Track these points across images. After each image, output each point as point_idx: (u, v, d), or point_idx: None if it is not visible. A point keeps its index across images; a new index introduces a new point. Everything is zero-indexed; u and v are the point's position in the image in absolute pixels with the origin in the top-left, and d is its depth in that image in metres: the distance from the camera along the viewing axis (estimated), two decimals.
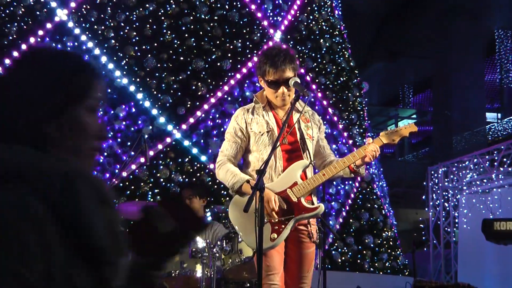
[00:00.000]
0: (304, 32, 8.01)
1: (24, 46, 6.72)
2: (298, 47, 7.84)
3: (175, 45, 6.94)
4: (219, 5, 7.30)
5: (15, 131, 1.20)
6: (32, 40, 6.75)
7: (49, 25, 6.83)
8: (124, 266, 1.19)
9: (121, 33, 6.90)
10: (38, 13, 6.93)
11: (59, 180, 1.12)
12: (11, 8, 6.94)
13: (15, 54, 6.69)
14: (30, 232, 1.07)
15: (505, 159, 9.37)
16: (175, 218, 1.27)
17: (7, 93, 1.23)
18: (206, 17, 7.16)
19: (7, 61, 6.66)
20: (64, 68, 1.27)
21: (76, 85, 1.25)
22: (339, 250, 7.25)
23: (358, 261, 7.41)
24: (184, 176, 6.43)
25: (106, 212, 1.15)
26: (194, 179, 6.42)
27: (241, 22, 7.40)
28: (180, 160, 6.51)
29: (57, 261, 1.08)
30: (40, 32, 6.80)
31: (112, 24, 6.92)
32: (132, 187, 6.23)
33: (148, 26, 6.95)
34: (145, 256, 1.28)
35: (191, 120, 6.71)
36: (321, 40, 8.20)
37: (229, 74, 7.06)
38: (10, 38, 6.82)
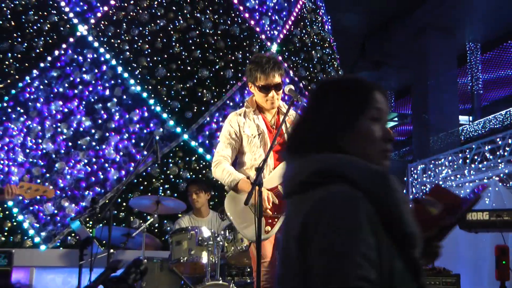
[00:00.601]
0: (298, 45, 7.99)
1: (49, 58, 6.71)
2: (292, 57, 7.82)
3: (183, 56, 6.91)
4: (222, 21, 7.28)
5: (316, 144, 1.30)
6: (56, 52, 6.74)
7: (71, 39, 6.82)
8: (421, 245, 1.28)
9: (135, 46, 6.87)
10: (61, 28, 6.90)
11: (376, 178, 1.19)
12: (38, 25, 6.91)
13: (42, 65, 6.68)
14: (366, 220, 1.13)
15: (476, 157, 9.35)
16: (441, 202, 1.47)
17: (308, 115, 1.37)
18: (211, 31, 7.14)
19: (35, 71, 6.65)
20: (347, 90, 1.34)
21: (358, 102, 1.32)
22: None
23: None
24: (191, 173, 6.41)
25: (408, 205, 1.23)
26: (200, 175, 6.40)
27: (242, 36, 7.37)
28: (187, 159, 6.49)
29: (383, 246, 1.14)
30: (64, 46, 6.78)
31: (127, 38, 6.89)
32: (145, 182, 6.21)
33: (159, 39, 6.93)
34: (427, 231, 1.39)
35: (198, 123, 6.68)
36: (313, 52, 8.17)
37: (231, 82, 7.04)
38: (37, 51, 6.79)
